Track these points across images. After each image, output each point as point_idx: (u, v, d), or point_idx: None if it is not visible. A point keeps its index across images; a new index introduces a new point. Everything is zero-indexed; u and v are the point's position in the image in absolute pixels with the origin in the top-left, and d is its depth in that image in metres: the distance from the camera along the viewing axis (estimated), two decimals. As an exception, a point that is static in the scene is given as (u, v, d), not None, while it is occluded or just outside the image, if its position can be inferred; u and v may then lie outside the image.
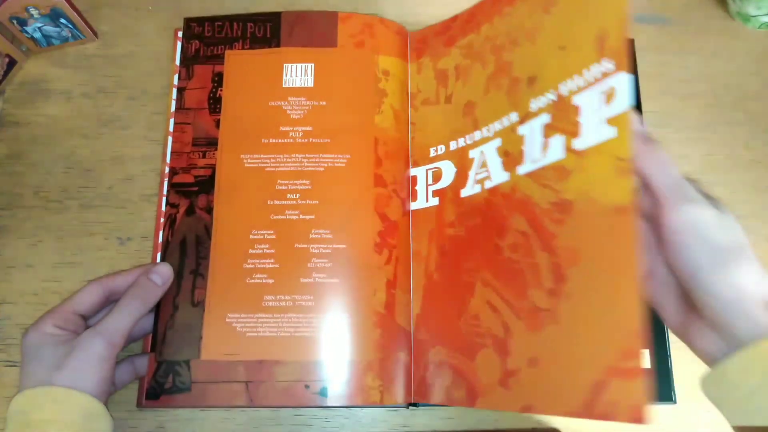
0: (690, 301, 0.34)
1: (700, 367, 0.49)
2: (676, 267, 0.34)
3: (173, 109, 0.49)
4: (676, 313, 0.36)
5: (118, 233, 0.50)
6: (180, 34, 0.52)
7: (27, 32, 0.52)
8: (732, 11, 0.57)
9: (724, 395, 0.32)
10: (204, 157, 0.48)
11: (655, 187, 0.34)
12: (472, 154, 0.45)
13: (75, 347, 0.38)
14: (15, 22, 0.50)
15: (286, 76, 0.50)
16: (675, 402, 0.45)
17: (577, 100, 0.37)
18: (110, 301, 0.43)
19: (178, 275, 0.46)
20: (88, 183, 0.51)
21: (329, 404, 0.43)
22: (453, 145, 0.47)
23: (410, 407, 0.45)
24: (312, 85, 0.50)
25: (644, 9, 0.57)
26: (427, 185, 0.48)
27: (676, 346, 0.46)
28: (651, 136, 0.36)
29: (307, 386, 0.44)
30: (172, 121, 0.50)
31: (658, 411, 0.47)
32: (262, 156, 0.48)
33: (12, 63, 0.52)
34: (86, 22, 0.52)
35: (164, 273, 0.44)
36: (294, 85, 0.50)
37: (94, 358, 0.38)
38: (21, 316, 0.48)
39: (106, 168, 0.51)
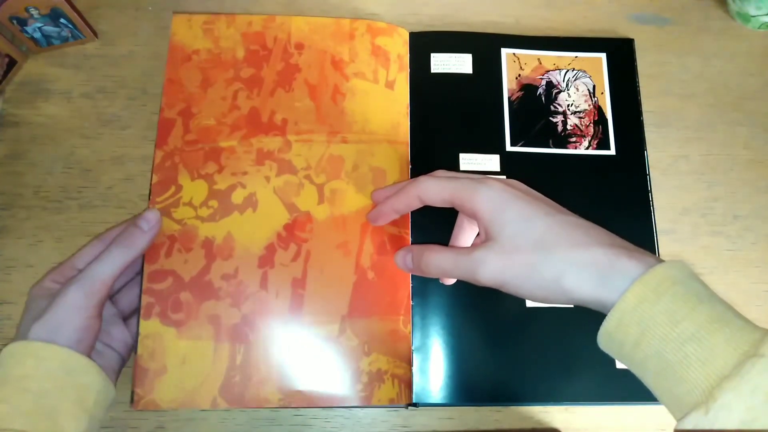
0: None
1: None
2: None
3: (161, 102, 0.49)
4: None
5: (118, 233, 0.50)
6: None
7: (27, 32, 0.52)
8: (732, 11, 0.57)
9: (616, 351, 0.33)
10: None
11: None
12: None
13: (54, 298, 0.38)
14: (15, 22, 0.50)
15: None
16: None
17: None
18: None
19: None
20: (87, 183, 0.51)
21: (329, 404, 0.43)
22: None
23: (410, 407, 0.45)
24: None
25: (644, 9, 0.57)
26: None
27: None
28: (424, 248, 0.40)
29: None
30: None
31: (658, 411, 0.47)
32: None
33: (12, 63, 0.52)
34: (86, 22, 0.52)
35: (150, 218, 0.43)
36: None
37: (72, 307, 0.38)
38: (21, 316, 0.48)
39: (105, 168, 0.51)
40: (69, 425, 0.36)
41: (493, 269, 0.35)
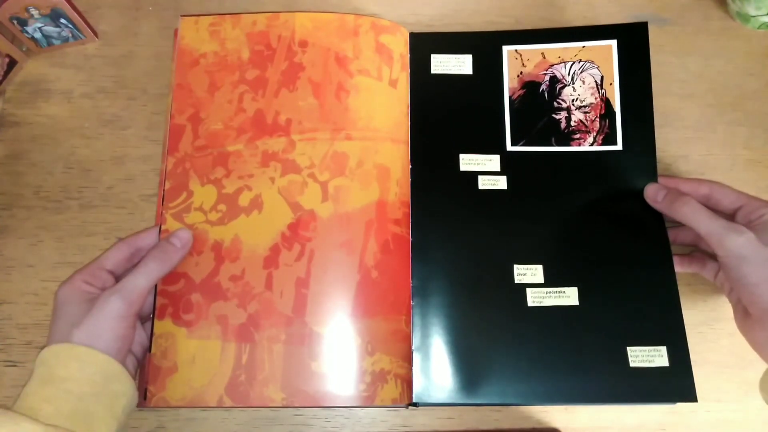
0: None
1: (717, 368, 0.48)
2: (735, 285, 0.42)
3: (171, 108, 0.49)
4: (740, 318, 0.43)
5: (118, 233, 0.50)
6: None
7: (27, 32, 0.52)
8: (732, 11, 0.57)
9: None
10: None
11: (697, 231, 0.43)
12: None
13: (94, 305, 0.39)
14: (15, 22, 0.50)
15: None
16: (696, 401, 0.44)
17: None
18: (137, 258, 0.44)
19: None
20: (88, 183, 0.51)
21: (332, 404, 0.43)
22: None
23: (410, 407, 0.45)
24: None
25: (643, 9, 0.57)
26: None
27: (694, 349, 0.46)
28: (681, 191, 0.46)
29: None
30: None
31: (678, 410, 0.47)
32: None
33: (12, 63, 0.52)
34: (86, 22, 0.52)
35: (183, 237, 0.45)
36: None
37: (111, 316, 0.39)
38: (21, 316, 0.48)
39: (106, 168, 0.51)
40: (100, 430, 0.37)
41: (742, 244, 0.40)
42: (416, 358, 0.45)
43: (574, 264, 0.48)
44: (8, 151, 0.52)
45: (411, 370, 0.45)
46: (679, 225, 0.46)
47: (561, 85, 0.52)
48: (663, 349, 0.45)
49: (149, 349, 0.44)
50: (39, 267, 0.49)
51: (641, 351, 0.45)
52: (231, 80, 0.49)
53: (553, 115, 0.51)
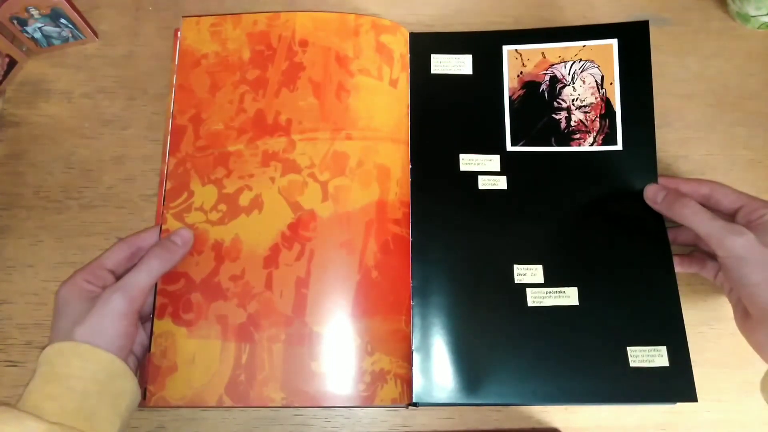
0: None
1: (717, 368, 0.48)
2: (735, 286, 0.42)
3: (173, 109, 0.49)
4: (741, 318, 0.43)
5: (118, 233, 0.50)
6: (179, 33, 0.52)
7: (27, 32, 0.52)
8: (732, 11, 0.57)
9: None
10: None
11: (697, 232, 0.43)
12: None
13: (96, 303, 0.39)
14: (15, 22, 0.50)
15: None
16: (696, 400, 0.44)
17: None
18: (137, 258, 0.44)
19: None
20: (88, 183, 0.51)
21: (332, 404, 0.43)
22: None
23: (410, 407, 0.45)
24: None
25: (643, 9, 0.57)
26: None
27: (694, 349, 0.45)
28: (681, 192, 0.46)
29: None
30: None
31: (678, 410, 0.46)
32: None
33: (12, 63, 0.52)
34: (86, 22, 0.52)
35: (184, 235, 0.45)
36: None
37: (113, 313, 0.39)
38: (21, 316, 0.48)
39: (106, 168, 0.51)
40: (104, 428, 0.37)
41: (742, 245, 0.40)
42: (416, 358, 0.45)
43: (574, 264, 0.48)
44: (8, 151, 0.52)
45: (411, 370, 0.45)
46: (679, 225, 0.46)
47: (561, 85, 0.52)
48: (663, 349, 0.45)
49: (149, 348, 0.44)
50: (39, 267, 0.49)
51: (641, 351, 0.45)
52: (232, 80, 0.49)
53: (553, 115, 0.51)
